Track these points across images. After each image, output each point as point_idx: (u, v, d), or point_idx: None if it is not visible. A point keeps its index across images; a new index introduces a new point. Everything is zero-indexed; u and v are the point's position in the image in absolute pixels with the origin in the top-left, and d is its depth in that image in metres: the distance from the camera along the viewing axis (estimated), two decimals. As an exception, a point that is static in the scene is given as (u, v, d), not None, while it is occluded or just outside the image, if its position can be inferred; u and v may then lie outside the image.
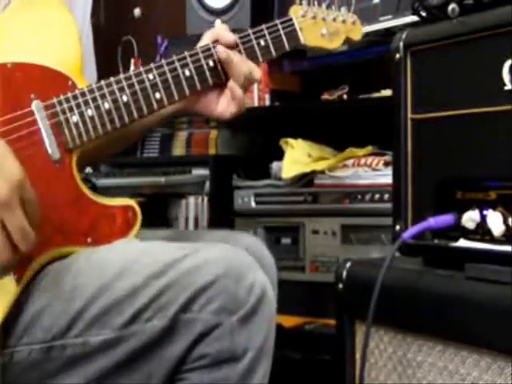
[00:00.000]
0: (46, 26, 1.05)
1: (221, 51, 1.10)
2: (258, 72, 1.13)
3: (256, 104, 2.10)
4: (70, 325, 0.91)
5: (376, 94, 1.81)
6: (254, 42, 1.14)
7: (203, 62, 1.10)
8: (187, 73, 1.09)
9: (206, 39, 1.13)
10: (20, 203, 0.85)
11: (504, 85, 0.94)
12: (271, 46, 1.15)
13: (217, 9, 2.11)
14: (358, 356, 1.09)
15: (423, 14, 1.06)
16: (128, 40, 2.71)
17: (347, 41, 1.26)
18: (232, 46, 1.12)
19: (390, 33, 1.72)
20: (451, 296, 0.94)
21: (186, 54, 1.10)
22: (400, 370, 1.03)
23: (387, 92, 1.72)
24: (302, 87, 2.19)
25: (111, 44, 2.70)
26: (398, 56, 1.07)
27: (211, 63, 1.11)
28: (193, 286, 0.89)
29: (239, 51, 1.12)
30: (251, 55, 1.13)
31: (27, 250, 0.87)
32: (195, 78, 1.09)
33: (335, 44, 1.24)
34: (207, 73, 1.10)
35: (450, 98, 1.01)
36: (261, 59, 1.15)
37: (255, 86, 2.10)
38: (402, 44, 1.07)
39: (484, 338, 0.90)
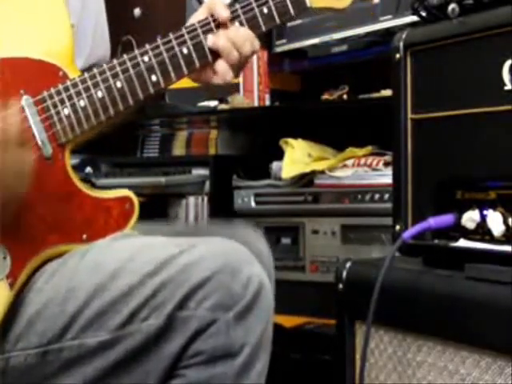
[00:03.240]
0: (35, 14, 1.02)
1: (208, 40, 1.05)
2: (250, 52, 1.06)
3: (256, 104, 2.10)
4: (65, 328, 0.90)
5: (376, 94, 1.81)
6: (257, 10, 1.07)
7: (202, 37, 1.04)
8: (185, 51, 1.03)
9: (202, 13, 1.08)
10: None
11: (504, 85, 0.94)
12: (275, 13, 1.08)
13: (217, 9, 2.10)
14: (358, 356, 1.09)
15: (423, 13, 1.06)
16: (128, 40, 2.71)
17: None
18: (226, 20, 1.06)
19: (389, 33, 1.72)
20: (451, 296, 0.94)
21: (184, 30, 1.04)
22: (400, 370, 1.03)
23: (387, 92, 1.72)
24: (302, 87, 2.19)
25: (111, 44, 2.69)
26: (397, 56, 1.07)
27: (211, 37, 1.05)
28: (188, 282, 0.89)
29: (240, 22, 1.06)
30: (253, 24, 1.07)
31: None
32: (194, 54, 1.04)
33: (344, 3, 1.15)
34: (206, 49, 1.05)
35: (450, 98, 1.01)
36: (264, 28, 1.08)
37: (255, 86, 2.10)
38: (402, 44, 1.07)
39: (484, 338, 0.90)
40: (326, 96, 1.97)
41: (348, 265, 1.11)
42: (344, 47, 1.94)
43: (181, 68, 1.04)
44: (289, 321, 1.73)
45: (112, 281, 0.91)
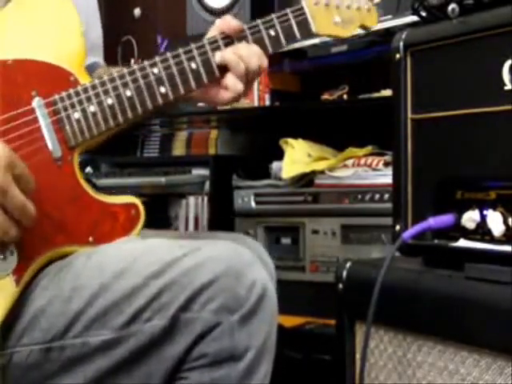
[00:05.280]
0: (48, 20, 1.04)
1: (216, 56, 1.07)
2: (257, 67, 1.08)
3: (256, 104, 2.10)
4: (69, 325, 0.90)
5: (376, 94, 1.81)
6: (264, 32, 1.10)
7: (210, 54, 1.07)
8: (193, 66, 1.06)
9: (212, 31, 1.11)
10: (14, 181, 0.85)
11: (504, 85, 0.94)
12: (281, 36, 1.11)
13: (217, 9, 2.11)
14: (358, 356, 1.09)
15: (423, 13, 1.06)
16: (128, 40, 2.72)
17: (362, 28, 1.20)
18: (239, 33, 1.09)
19: (389, 33, 1.72)
20: (451, 296, 0.94)
21: (193, 46, 1.07)
22: (400, 370, 1.03)
23: (387, 92, 1.72)
24: (302, 87, 2.19)
25: (111, 44, 2.70)
26: (397, 56, 1.07)
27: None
28: (192, 285, 0.89)
29: (247, 41, 1.09)
30: (260, 46, 1.10)
31: (30, 223, 0.88)
32: (201, 70, 1.07)
33: (349, 32, 1.18)
34: (214, 65, 1.07)
35: (449, 98, 1.01)
36: (271, 50, 1.11)
37: (255, 86, 2.10)
38: (402, 44, 1.07)
39: (484, 338, 0.90)
40: (325, 96, 1.97)
41: (348, 265, 1.11)
42: (344, 47, 1.94)
43: (189, 82, 1.06)
44: (289, 321, 1.73)
45: (116, 281, 0.91)
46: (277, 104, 2.11)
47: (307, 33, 1.14)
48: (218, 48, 1.08)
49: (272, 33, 1.11)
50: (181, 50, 1.06)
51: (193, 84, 1.07)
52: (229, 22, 1.09)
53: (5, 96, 0.96)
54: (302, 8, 1.14)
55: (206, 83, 1.08)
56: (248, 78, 1.09)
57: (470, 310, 0.91)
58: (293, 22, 1.12)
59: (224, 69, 1.08)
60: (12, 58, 0.98)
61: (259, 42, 1.10)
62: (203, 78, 1.07)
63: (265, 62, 1.09)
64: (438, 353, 0.97)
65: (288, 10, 1.13)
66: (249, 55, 1.07)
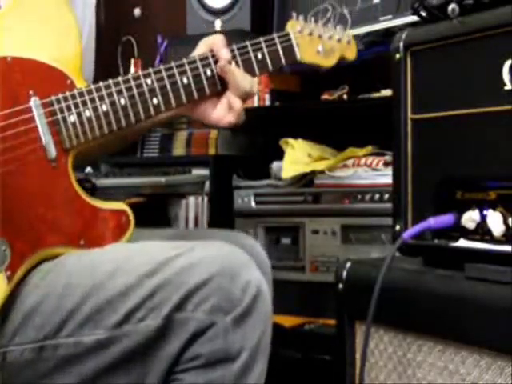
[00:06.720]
0: (46, 22, 1.04)
1: (220, 62, 1.09)
2: (255, 86, 1.13)
3: (256, 104, 2.10)
4: (61, 324, 0.90)
5: (376, 94, 1.81)
6: (252, 54, 1.13)
7: (201, 70, 1.10)
8: (185, 80, 1.08)
9: (202, 47, 1.13)
10: None
11: (504, 85, 0.94)
12: (268, 59, 1.15)
13: (217, 9, 2.11)
14: (358, 356, 1.09)
15: (423, 13, 1.06)
16: (128, 40, 2.71)
17: (342, 59, 1.26)
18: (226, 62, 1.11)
19: (390, 33, 1.73)
20: (451, 296, 0.94)
21: (185, 61, 1.09)
22: (400, 370, 1.03)
23: (387, 92, 1.72)
24: (302, 87, 2.19)
25: (111, 44, 2.70)
26: (398, 56, 1.07)
27: (209, 72, 1.10)
28: (186, 284, 0.89)
29: (236, 63, 1.11)
30: (248, 68, 1.13)
31: None
32: (193, 86, 1.09)
33: (330, 62, 1.25)
34: (205, 82, 1.10)
35: (449, 98, 1.01)
36: (257, 72, 1.14)
37: (255, 86, 2.10)
38: (402, 44, 1.07)
39: (484, 338, 0.90)
40: (325, 96, 1.97)
41: (348, 265, 1.11)
42: (344, 47, 1.93)
43: (180, 96, 1.08)
44: (289, 321, 1.73)
45: (109, 280, 0.91)
46: (277, 104, 2.11)
47: (292, 59, 1.18)
48: (208, 65, 1.10)
49: (259, 56, 1.14)
50: (173, 64, 1.08)
51: (184, 98, 1.08)
52: (219, 50, 1.11)
53: (2, 93, 0.96)
54: (287, 34, 1.17)
55: (196, 99, 1.10)
56: (243, 100, 1.12)
57: (470, 310, 0.92)
58: (279, 47, 1.16)
59: (218, 88, 1.11)
60: (12, 55, 0.98)
61: (247, 63, 1.13)
62: (194, 93, 1.09)
63: (255, 89, 1.14)
64: (437, 353, 0.97)
65: (275, 35, 1.16)
66: (250, 85, 1.11)
